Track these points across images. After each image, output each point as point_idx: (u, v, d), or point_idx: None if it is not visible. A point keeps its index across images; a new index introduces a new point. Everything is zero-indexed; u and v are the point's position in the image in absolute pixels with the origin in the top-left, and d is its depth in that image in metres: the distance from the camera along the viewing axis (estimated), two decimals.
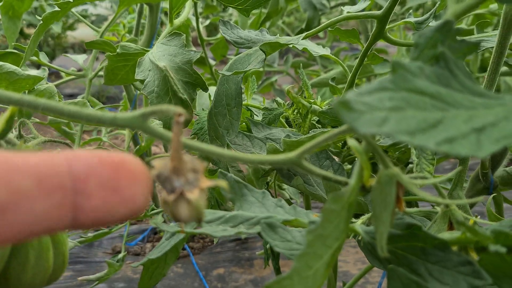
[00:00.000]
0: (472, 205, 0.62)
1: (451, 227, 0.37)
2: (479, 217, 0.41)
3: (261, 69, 1.39)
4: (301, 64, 0.84)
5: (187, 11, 0.74)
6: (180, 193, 0.26)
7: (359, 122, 0.24)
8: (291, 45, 0.67)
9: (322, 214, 0.29)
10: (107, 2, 2.93)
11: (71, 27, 2.71)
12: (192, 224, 0.39)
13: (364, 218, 0.39)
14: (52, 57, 2.90)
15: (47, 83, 1.00)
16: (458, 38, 0.30)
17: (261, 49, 0.57)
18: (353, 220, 0.41)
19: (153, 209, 1.16)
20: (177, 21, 0.70)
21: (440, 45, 0.29)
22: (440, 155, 0.64)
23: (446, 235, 0.34)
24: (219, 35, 1.30)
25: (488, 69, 0.46)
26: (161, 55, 0.61)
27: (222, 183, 0.28)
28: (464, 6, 0.33)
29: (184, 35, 0.62)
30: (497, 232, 0.29)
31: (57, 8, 0.76)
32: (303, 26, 1.36)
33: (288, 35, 1.66)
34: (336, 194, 0.29)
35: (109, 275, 0.98)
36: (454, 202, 0.34)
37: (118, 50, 0.76)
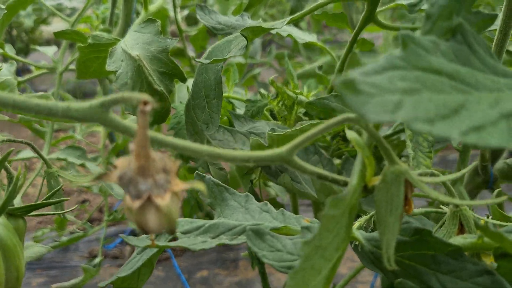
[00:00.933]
0: (473, 198, 0.58)
1: (462, 230, 0.32)
2: (487, 216, 0.36)
3: (243, 62, 1.34)
4: (286, 53, 0.80)
5: None
6: (147, 198, 0.21)
7: (369, 108, 0.20)
8: (274, 32, 0.62)
9: (321, 221, 0.24)
10: None
11: (45, 21, 2.61)
12: (165, 236, 0.34)
13: (361, 220, 0.34)
14: (26, 53, 2.80)
15: (16, 78, 0.93)
16: (473, 9, 0.26)
17: (242, 35, 0.52)
18: None
19: None
20: (152, 8, 0.65)
21: (456, 16, 0.24)
22: (436, 147, 0.59)
23: (459, 240, 0.29)
24: (199, 26, 1.24)
25: (492, 50, 0.42)
26: (134, 43, 0.56)
27: (199, 186, 0.23)
28: None
29: (159, 21, 0.56)
30: None
31: None
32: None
33: None
34: (336, 197, 0.25)
35: (85, 281, 0.92)
36: (471, 203, 0.30)
37: (89, 41, 0.70)
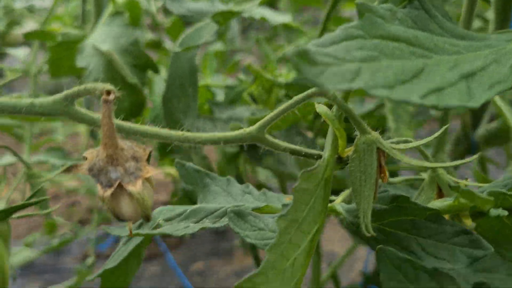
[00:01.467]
0: (455, 169, 0.59)
1: (440, 194, 0.33)
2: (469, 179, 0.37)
3: (224, 49, 1.33)
4: (261, 37, 0.79)
5: None
6: (119, 186, 0.21)
7: (325, 77, 0.20)
8: (247, 15, 0.62)
9: (293, 196, 0.24)
10: None
11: (19, 23, 2.57)
12: (149, 224, 0.34)
13: (344, 194, 0.35)
14: (1, 57, 2.76)
15: None
16: None
17: (212, 20, 0.52)
18: (333, 197, 0.37)
19: None
20: (120, 0, 0.64)
21: None
22: (418, 118, 0.60)
23: (437, 204, 0.30)
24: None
25: (462, 12, 0.42)
26: (104, 38, 0.55)
27: (171, 171, 0.23)
28: None
29: (127, 13, 0.56)
30: (496, 194, 0.25)
31: None
32: None
33: None
34: (308, 170, 0.25)
35: (79, 283, 0.92)
36: (442, 165, 0.30)
37: (58, 39, 0.69)
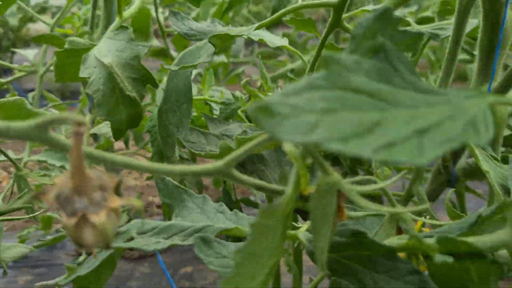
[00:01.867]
0: (436, 196, 0.60)
1: (400, 231, 0.34)
2: (438, 212, 0.38)
3: (226, 61, 1.35)
4: (259, 55, 0.81)
5: (138, 2, 0.69)
6: (83, 216, 0.23)
7: (282, 129, 0.21)
8: (246, 36, 0.63)
9: (251, 230, 0.26)
10: None
11: (31, 19, 2.60)
12: (123, 236, 0.36)
13: (309, 223, 0.36)
14: (13, 52, 2.80)
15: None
16: (401, 28, 0.27)
17: (210, 42, 0.53)
18: (298, 224, 0.38)
19: None
20: (126, 14, 0.66)
21: (380, 35, 0.26)
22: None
23: (394, 241, 0.31)
24: None
25: (445, 58, 0.44)
26: (107, 50, 0.57)
27: (136, 203, 0.24)
28: None
29: (131, 29, 0.58)
30: (443, 240, 0.26)
31: None
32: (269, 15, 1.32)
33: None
34: (268, 207, 0.26)
35: (69, 279, 0.93)
36: (397, 210, 0.31)
37: (65, 46, 0.71)
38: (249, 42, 1.64)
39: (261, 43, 1.77)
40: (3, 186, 1.57)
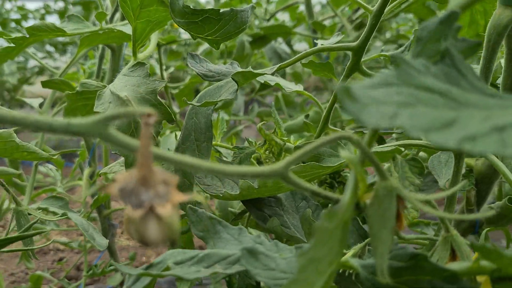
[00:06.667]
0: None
1: (453, 256, 0.32)
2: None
3: (227, 118, 1.36)
4: (273, 104, 0.81)
5: (153, 45, 0.70)
6: (149, 208, 0.21)
7: (366, 115, 0.20)
8: (263, 81, 0.64)
9: (315, 235, 0.24)
10: (67, 56, 2.90)
11: (28, 81, 2.63)
12: (159, 266, 0.34)
13: (356, 248, 0.34)
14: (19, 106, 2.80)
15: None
16: (459, 37, 0.27)
17: (233, 79, 0.53)
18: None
19: (111, 265, 1.06)
20: (141, 55, 0.66)
21: (443, 40, 0.26)
22: (426, 193, 0.60)
23: (454, 265, 0.29)
24: (184, 82, 1.27)
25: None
26: (123, 86, 0.57)
27: (199, 198, 0.23)
28: None
29: (148, 64, 0.58)
30: None
31: (12, 44, 0.71)
32: None
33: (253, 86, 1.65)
34: (330, 210, 0.25)
35: None
36: (466, 217, 0.30)
37: (78, 88, 0.71)
38: (248, 102, 1.67)
39: (260, 103, 1.79)
40: None
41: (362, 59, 0.59)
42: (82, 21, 0.74)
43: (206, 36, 0.58)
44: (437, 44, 0.26)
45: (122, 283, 1.21)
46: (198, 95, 0.58)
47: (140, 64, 0.58)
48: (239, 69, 0.60)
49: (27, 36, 0.68)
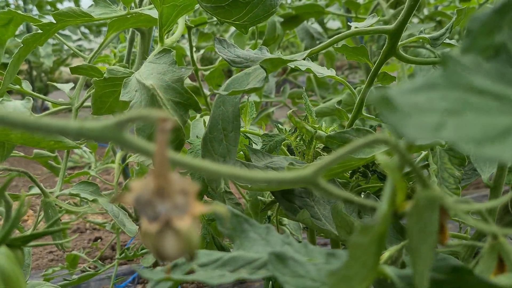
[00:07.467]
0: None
1: (501, 266, 0.30)
2: None
3: (258, 100, 1.33)
4: (304, 89, 0.79)
5: (180, 30, 0.68)
6: (166, 221, 0.19)
7: (407, 126, 0.18)
8: (293, 66, 0.61)
9: (349, 251, 0.22)
10: (102, 38, 2.92)
11: (64, 62, 2.67)
12: (182, 268, 0.32)
13: (392, 250, 0.32)
14: (45, 93, 2.86)
15: (32, 115, 0.93)
16: None
17: (261, 66, 0.51)
18: None
19: (143, 248, 1.07)
20: (168, 41, 0.64)
21: (498, 32, 0.23)
22: (462, 184, 0.57)
23: (503, 279, 0.27)
24: (215, 64, 1.25)
25: None
26: (149, 73, 0.55)
27: (221, 209, 0.21)
28: None
29: (174, 51, 0.56)
30: None
31: (39, 30, 0.71)
32: None
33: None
34: (365, 223, 0.23)
35: None
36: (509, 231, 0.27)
37: (105, 75, 0.70)
38: (280, 84, 1.64)
39: (293, 84, 1.76)
40: (28, 224, 1.55)
41: (400, 43, 0.56)
42: (109, 6, 0.73)
43: (233, 20, 0.56)
44: (490, 37, 0.23)
45: (155, 264, 1.23)
46: (226, 83, 0.56)
47: (166, 51, 0.56)
48: (268, 55, 0.58)
49: (54, 22, 0.67)
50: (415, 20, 1.80)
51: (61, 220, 0.89)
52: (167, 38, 0.68)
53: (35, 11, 2.57)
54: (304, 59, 0.65)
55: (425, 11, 2.04)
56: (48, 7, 2.59)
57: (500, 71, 0.22)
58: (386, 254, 0.36)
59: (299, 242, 0.36)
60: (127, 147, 0.22)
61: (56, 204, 0.58)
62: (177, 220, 0.20)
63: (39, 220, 0.69)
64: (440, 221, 0.25)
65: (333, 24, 2.34)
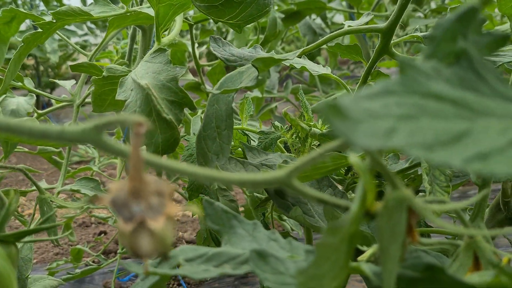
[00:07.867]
0: (492, 238, 0.56)
1: (476, 264, 0.31)
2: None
3: (260, 96, 1.34)
4: (300, 86, 0.80)
5: (177, 29, 0.69)
6: (141, 222, 0.21)
7: (357, 133, 0.19)
8: (288, 64, 0.62)
9: (316, 250, 0.23)
10: None
11: (71, 57, 2.69)
12: (171, 262, 0.34)
13: (375, 247, 0.33)
14: (52, 88, 2.89)
15: (35, 111, 0.95)
16: (484, 30, 0.25)
17: (253, 65, 0.52)
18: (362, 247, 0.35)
19: None
20: (165, 40, 0.66)
21: (461, 38, 0.24)
22: (455, 182, 0.58)
23: (474, 278, 0.28)
24: (216, 61, 1.26)
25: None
26: (144, 73, 0.56)
27: (195, 209, 0.22)
28: None
29: (169, 50, 0.57)
30: None
31: (39, 29, 0.72)
32: None
33: None
34: (334, 224, 0.24)
35: None
36: (481, 233, 0.28)
37: (104, 73, 0.71)
38: (283, 78, 1.64)
39: (296, 80, 1.77)
40: (35, 219, 1.57)
41: (392, 41, 0.57)
42: (108, 4, 0.74)
43: (227, 19, 0.57)
44: (453, 44, 0.23)
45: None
46: (219, 82, 0.57)
47: (161, 50, 0.57)
48: (261, 54, 0.59)
49: (54, 21, 0.69)
50: (420, 15, 1.79)
51: (63, 215, 0.91)
52: (168, 34, 0.69)
53: (42, 7, 2.59)
54: (299, 56, 0.66)
55: (433, 5, 2.03)
56: (55, 3, 2.61)
57: (460, 77, 0.23)
58: (368, 252, 0.37)
59: (298, 238, 0.37)
60: (104, 149, 0.23)
61: (51, 201, 0.60)
62: (151, 220, 0.21)
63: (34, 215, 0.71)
64: (408, 221, 0.26)
65: (340, 18, 2.34)
